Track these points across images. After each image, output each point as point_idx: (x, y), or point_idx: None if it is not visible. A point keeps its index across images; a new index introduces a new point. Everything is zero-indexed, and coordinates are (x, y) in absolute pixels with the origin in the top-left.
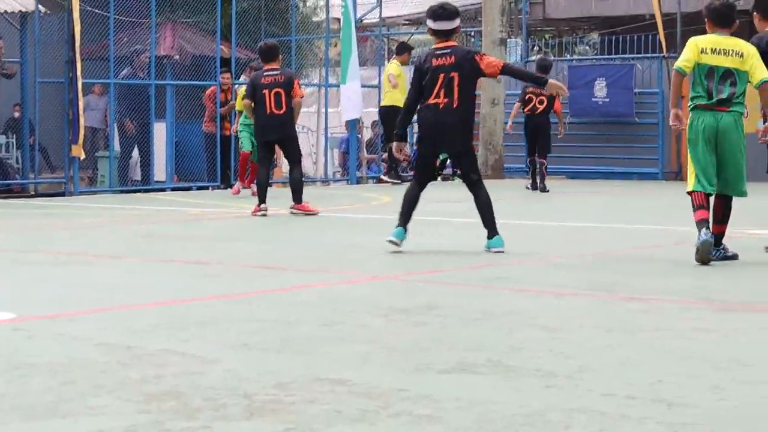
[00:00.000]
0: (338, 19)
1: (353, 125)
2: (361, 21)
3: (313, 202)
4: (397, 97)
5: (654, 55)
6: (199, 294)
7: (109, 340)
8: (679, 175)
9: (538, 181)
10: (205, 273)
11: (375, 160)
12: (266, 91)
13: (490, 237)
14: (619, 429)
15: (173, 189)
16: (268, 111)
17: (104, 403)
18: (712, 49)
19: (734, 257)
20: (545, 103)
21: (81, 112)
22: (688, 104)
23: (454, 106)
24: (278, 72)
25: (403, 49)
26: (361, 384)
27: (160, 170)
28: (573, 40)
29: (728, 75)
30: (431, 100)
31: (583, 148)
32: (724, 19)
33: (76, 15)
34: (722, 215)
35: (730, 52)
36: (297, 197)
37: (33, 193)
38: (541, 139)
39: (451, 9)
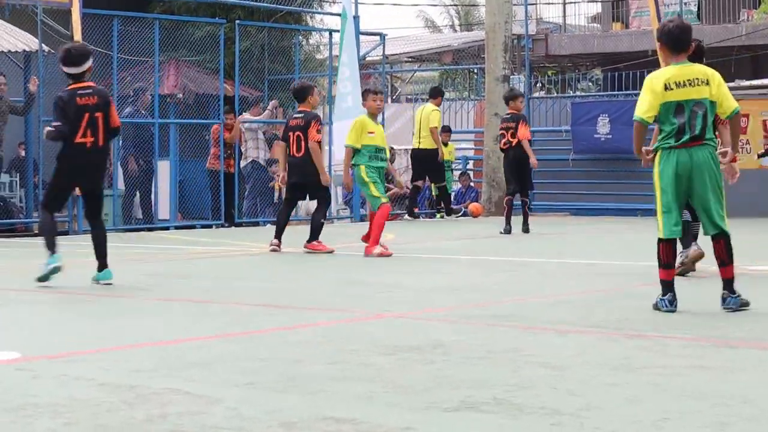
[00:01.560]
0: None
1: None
2: (365, 58)
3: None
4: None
5: None
6: (202, 333)
7: (113, 380)
8: None
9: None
10: (209, 312)
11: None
12: (291, 134)
13: None
14: None
15: (177, 227)
16: (291, 153)
17: None
18: (676, 83)
19: (747, 304)
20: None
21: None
22: (655, 144)
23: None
24: (302, 115)
25: (437, 93)
26: (366, 422)
27: (164, 208)
28: (576, 77)
29: (699, 107)
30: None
31: (586, 185)
32: (680, 44)
33: None
34: (726, 256)
35: (697, 82)
36: (311, 237)
37: (36, 232)
38: (522, 174)
39: (74, 53)
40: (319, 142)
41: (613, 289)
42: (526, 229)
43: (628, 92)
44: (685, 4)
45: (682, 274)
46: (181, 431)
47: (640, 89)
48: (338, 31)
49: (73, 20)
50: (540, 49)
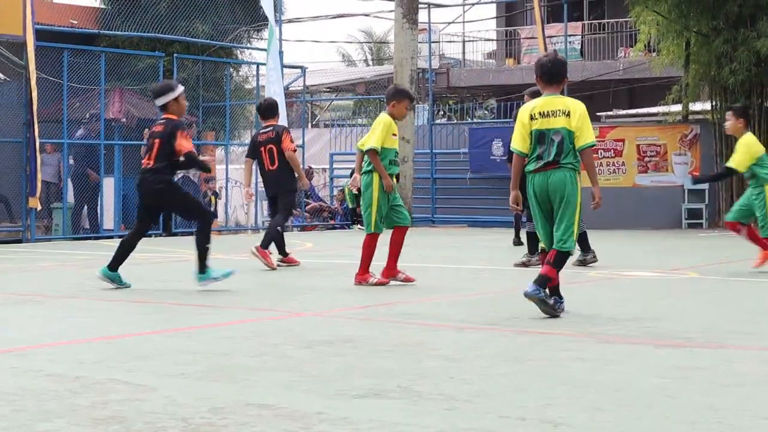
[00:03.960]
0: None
1: None
2: (288, 88)
3: (245, 249)
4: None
5: None
6: (141, 329)
7: (60, 371)
8: None
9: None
10: (148, 311)
11: (299, 213)
12: (262, 149)
13: None
14: None
15: (120, 236)
16: (265, 167)
17: (55, 427)
18: (540, 113)
19: (546, 304)
20: None
21: (38, 168)
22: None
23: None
24: (271, 129)
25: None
26: (285, 408)
27: (109, 219)
28: (473, 106)
29: (557, 135)
30: None
31: (481, 200)
32: (552, 77)
33: (33, 82)
34: (555, 262)
35: (558, 113)
36: (263, 242)
37: None
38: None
39: (160, 87)
40: (295, 150)
41: (502, 291)
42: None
43: None
44: (570, 42)
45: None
46: (121, 416)
47: None
48: (265, 64)
49: (28, 52)
50: (442, 81)
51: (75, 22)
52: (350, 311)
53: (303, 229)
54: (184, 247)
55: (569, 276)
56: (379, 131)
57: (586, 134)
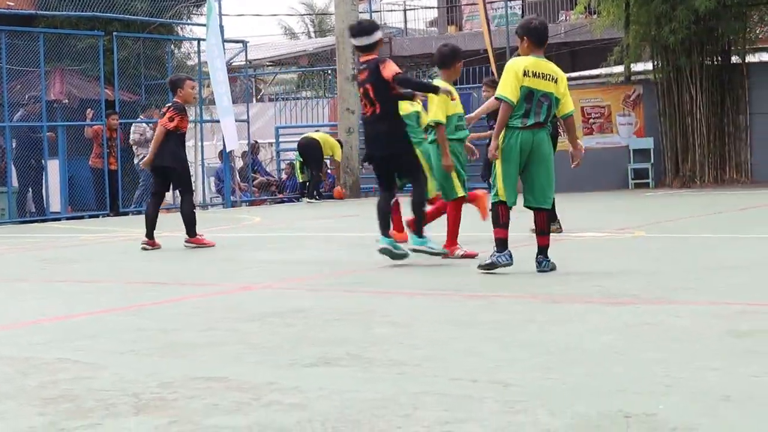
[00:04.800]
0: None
1: (227, 156)
2: (230, 63)
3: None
4: None
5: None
6: (89, 309)
7: (8, 353)
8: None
9: None
10: (95, 290)
11: (246, 188)
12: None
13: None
14: (462, 408)
15: (68, 218)
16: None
17: (5, 408)
18: (533, 73)
19: (555, 268)
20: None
21: None
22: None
23: (377, 113)
24: (169, 105)
25: None
26: (235, 380)
27: (55, 202)
28: (416, 74)
29: (545, 99)
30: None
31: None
32: (542, 40)
33: None
34: (546, 227)
35: (548, 76)
36: (190, 230)
37: None
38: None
39: (365, 25)
40: (172, 131)
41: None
42: None
43: (461, 86)
44: (511, 7)
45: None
46: (71, 395)
47: (474, 84)
48: (205, 40)
49: None
50: (385, 51)
51: (12, 3)
52: (300, 282)
53: (251, 203)
54: (132, 226)
55: (520, 239)
56: (435, 105)
57: (569, 102)
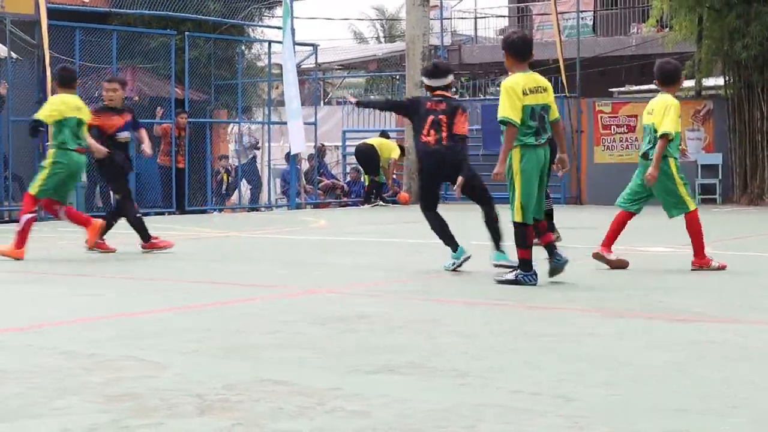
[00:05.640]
0: (279, 65)
1: (293, 158)
2: (300, 66)
3: (260, 226)
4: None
5: (557, 95)
6: (154, 306)
7: (74, 349)
8: (579, 200)
9: None
10: (161, 288)
11: (312, 190)
12: None
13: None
14: (524, 422)
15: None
16: None
17: (69, 404)
18: (530, 89)
19: (567, 260)
20: None
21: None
22: (514, 143)
23: (444, 143)
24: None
25: None
26: (299, 384)
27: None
28: (486, 83)
29: (544, 111)
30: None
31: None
32: (521, 53)
33: (46, 61)
34: (547, 226)
35: (539, 89)
36: (143, 236)
37: (8, 219)
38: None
39: (442, 67)
40: (98, 127)
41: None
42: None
43: None
44: (582, 18)
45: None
46: (134, 393)
47: None
48: (277, 41)
49: (42, 30)
50: (454, 58)
51: (87, 0)
52: (363, 288)
53: (316, 206)
54: (197, 225)
55: (581, 252)
56: (673, 114)
57: (555, 107)
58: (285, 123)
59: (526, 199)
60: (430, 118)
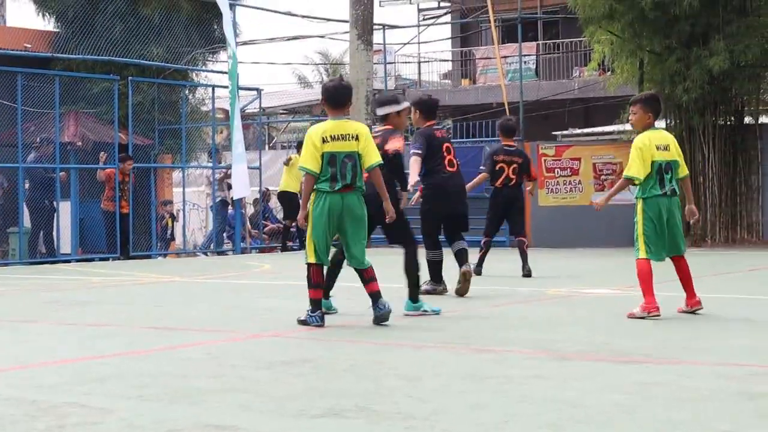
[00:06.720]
0: (223, 109)
1: (238, 202)
2: (244, 110)
3: (204, 271)
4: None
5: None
6: (99, 352)
7: (17, 395)
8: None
9: (521, 262)
10: (105, 334)
11: (257, 234)
12: None
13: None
14: None
15: (78, 260)
16: None
17: None
18: (331, 136)
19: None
20: (517, 173)
21: None
22: (314, 188)
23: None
24: None
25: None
26: (245, 429)
27: (66, 244)
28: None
29: (349, 158)
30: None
31: None
32: (338, 101)
33: None
34: (370, 277)
35: (347, 137)
36: None
37: None
38: (518, 214)
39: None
40: None
41: (460, 309)
42: (528, 271)
43: (475, 139)
44: (525, 62)
45: (461, 293)
46: None
47: (486, 137)
48: (221, 86)
49: None
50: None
51: (29, 45)
52: (309, 332)
53: (261, 250)
54: (142, 269)
55: (528, 295)
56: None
57: (373, 155)
58: (229, 167)
59: (315, 242)
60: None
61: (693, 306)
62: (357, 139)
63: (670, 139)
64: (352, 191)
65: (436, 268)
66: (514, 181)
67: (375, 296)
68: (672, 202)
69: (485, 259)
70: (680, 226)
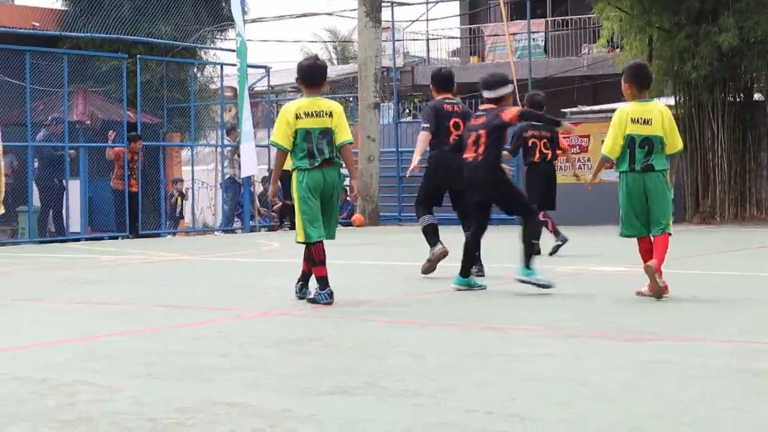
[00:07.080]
0: (232, 87)
1: (247, 180)
2: (252, 88)
3: (213, 249)
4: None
5: None
6: (108, 331)
7: (26, 374)
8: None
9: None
10: (114, 312)
11: (266, 213)
12: None
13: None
14: None
15: (87, 239)
16: None
17: (21, 430)
18: (305, 113)
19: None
20: (549, 147)
21: (2, 172)
22: (292, 166)
23: (480, 159)
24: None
25: None
26: (253, 406)
27: (75, 222)
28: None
29: (324, 135)
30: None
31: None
32: (313, 80)
33: None
34: (320, 258)
35: (322, 113)
36: None
37: None
38: (553, 190)
39: (498, 77)
40: None
41: (465, 287)
42: (562, 240)
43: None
44: (533, 39)
45: (427, 272)
46: (88, 417)
47: None
48: (230, 64)
49: None
50: (407, 79)
51: (37, 24)
52: (316, 310)
53: (270, 229)
54: (151, 248)
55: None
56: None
57: (345, 132)
58: (237, 145)
59: (308, 219)
60: (473, 135)
61: (651, 290)
62: (330, 115)
63: (656, 112)
64: (332, 166)
65: (427, 235)
66: (549, 155)
67: (322, 279)
68: (647, 177)
69: (557, 229)
70: (662, 203)
